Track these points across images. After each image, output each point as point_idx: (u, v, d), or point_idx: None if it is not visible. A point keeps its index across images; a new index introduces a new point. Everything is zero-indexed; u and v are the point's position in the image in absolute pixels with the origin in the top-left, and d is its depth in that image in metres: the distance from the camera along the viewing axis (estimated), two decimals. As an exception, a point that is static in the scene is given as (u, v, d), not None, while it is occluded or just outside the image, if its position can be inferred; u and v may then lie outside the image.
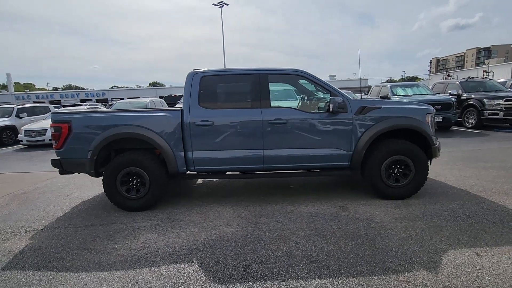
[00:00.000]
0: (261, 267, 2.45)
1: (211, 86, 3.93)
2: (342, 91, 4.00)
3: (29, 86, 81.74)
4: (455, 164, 5.60)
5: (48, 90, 70.70)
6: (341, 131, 3.82)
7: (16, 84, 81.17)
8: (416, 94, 10.67)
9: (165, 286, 2.26)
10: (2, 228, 3.50)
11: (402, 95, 10.68)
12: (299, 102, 5.09)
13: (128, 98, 18.65)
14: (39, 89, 78.72)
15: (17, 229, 3.46)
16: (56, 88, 79.96)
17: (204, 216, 3.60)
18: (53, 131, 3.80)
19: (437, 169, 5.24)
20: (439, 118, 9.31)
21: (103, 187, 3.82)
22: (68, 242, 3.07)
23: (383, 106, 3.87)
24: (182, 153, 3.81)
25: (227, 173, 4.07)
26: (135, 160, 3.77)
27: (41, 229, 3.44)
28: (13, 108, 11.62)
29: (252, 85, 3.88)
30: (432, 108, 4.07)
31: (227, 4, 35.56)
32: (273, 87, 10.49)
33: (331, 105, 3.61)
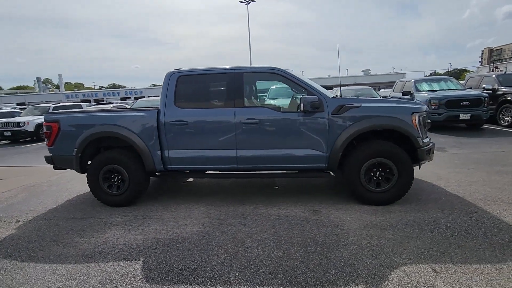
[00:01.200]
0: (199, 270, 2.44)
1: (187, 86, 3.95)
2: (359, 87, 3.81)
3: (78, 86, 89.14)
4: (465, 167, 5.06)
5: (93, 89, 76.60)
6: (317, 131, 3.64)
7: (67, 84, 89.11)
8: (443, 89, 9.79)
9: (101, 281, 2.35)
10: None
11: (427, 90, 9.87)
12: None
13: (148, 97, 19.77)
14: (87, 88, 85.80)
15: (10, 218, 3.80)
16: (101, 87, 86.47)
17: (175, 214, 3.67)
18: (45, 130, 4.11)
19: (441, 173, 4.79)
20: (466, 116, 8.49)
21: (87, 183, 4.05)
22: (44, 234, 3.31)
23: (363, 104, 3.61)
24: (159, 152, 3.90)
25: (208, 172, 4.09)
26: (114, 158, 3.94)
27: (29, 220, 3.75)
28: (49, 106, 12.74)
29: (226, 84, 3.84)
30: (422, 106, 3.71)
31: (253, 1, 35.62)
32: (279, 85, 10.22)
33: (301, 104, 3.45)
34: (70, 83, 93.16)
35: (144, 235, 3.13)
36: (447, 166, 5.17)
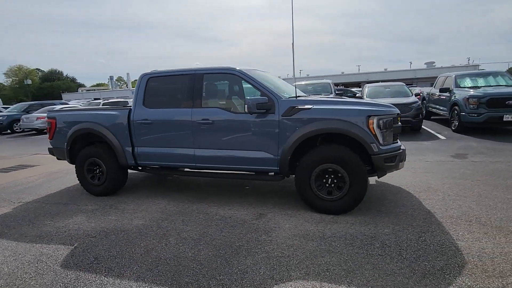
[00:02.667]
0: (108, 260, 2.64)
1: (155, 87, 4.19)
2: (390, 83, 3.64)
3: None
4: (471, 178, 4.36)
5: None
6: (267, 133, 3.54)
7: (135, 81, 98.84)
8: (489, 86, 8.41)
9: (31, 261, 2.71)
10: (9, 197, 4.66)
11: (469, 87, 8.59)
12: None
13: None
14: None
15: (16, 199, 4.54)
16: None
17: (137, 207, 3.96)
18: (47, 125, 4.77)
19: (436, 183, 4.23)
20: (511, 117, 7.18)
21: (76, 173, 4.60)
22: (27, 215, 3.89)
23: (314, 106, 3.39)
24: (130, 149, 4.23)
25: (185, 169, 4.28)
26: (95, 152, 4.40)
27: (28, 202, 4.43)
28: (100, 101, 14.49)
29: (187, 85, 3.96)
30: (384, 109, 3.34)
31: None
32: (311, 80, 10.05)
33: (245, 106, 3.39)
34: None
35: (97, 224, 3.47)
36: (451, 176, 4.52)
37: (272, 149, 3.55)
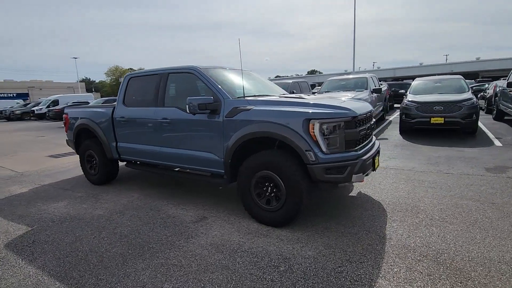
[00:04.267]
0: (39, 245, 2.94)
1: (133, 86, 4.42)
2: (443, 77, 3.44)
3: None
4: (484, 200, 3.43)
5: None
6: (213, 134, 3.41)
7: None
8: None
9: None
10: (35, 180, 5.55)
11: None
12: None
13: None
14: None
15: (39, 182, 5.39)
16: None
17: (111, 198, 4.28)
18: (63, 120, 5.52)
19: (428, 202, 3.47)
20: None
21: (80, 163, 5.22)
22: (32, 196, 4.59)
23: (254, 107, 3.10)
24: (114, 143, 4.59)
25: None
26: (90, 145, 4.91)
27: (42, 185, 5.22)
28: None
29: (155, 85, 4.07)
30: (332, 111, 2.84)
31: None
32: (346, 76, 9.50)
33: (186, 106, 3.30)
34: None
35: (69, 210, 3.89)
36: (458, 194, 3.63)
37: (218, 151, 3.40)
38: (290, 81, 11.83)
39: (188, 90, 3.83)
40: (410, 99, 7.86)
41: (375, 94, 9.09)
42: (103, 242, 2.94)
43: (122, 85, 4.51)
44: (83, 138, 5.17)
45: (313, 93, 9.81)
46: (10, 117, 26.11)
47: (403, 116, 7.86)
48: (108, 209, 3.83)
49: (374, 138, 3.75)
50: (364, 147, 3.14)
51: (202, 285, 2.18)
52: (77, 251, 2.78)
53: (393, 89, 15.77)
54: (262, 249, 2.64)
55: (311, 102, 3.05)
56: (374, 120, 3.74)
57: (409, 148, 6.37)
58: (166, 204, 3.90)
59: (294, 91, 10.90)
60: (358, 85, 9.15)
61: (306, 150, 2.77)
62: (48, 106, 23.37)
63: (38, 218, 3.65)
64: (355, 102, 3.46)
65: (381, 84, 12.68)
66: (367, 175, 3.08)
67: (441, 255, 2.40)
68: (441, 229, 2.81)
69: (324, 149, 2.78)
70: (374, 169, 3.24)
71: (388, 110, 13.39)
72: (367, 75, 9.61)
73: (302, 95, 3.56)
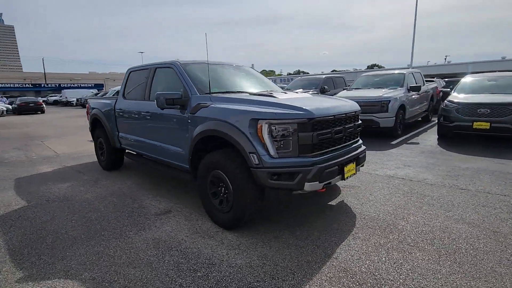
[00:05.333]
0: (20, 221, 3.30)
1: (131, 80, 4.64)
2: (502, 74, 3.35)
3: (270, 73, 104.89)
4: (487, 224, 2.80)
5: (279, 75, 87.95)
6: (181, 129, 3.41)
7: (263, 71, 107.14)
8: None
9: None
10: (62, 162, 6.26)
11: None
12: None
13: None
14: (278, 75, 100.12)
15: (64, 163, 6.08)
16: (289, 73, 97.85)
17: (107, 183, 4.61)
18: (86, 110, 6.10)
19: (413, 221, 2.98)
20: None
21: (95, 149, 5.73)
22: (49, 175, 5.19)
23: (211, 105, 2.99)
24: (117, 133, 4.92)
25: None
26: (100, 134, 5.34)
27: (66, 166, 5.86)
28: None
29: (145, 79, 4.21)
30: (287, 112, 2.59)
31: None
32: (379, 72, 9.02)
33: (155, 101, 3.32)
34: (265, 70, 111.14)
35: (67, 191, 4.30)
36: (462, 217, 3.04)
37: (185, 147, 3.39)
38: (324, 76, 11.27)
39: (170, 84, 3.87)
40: (450, 99, 6.81)
41: (413, 93, 8.10)
42: (69, 224, 3.18)
43: (124, 79, 4.77)
44: (96, 127, 5.65)
45: (344, 89, 9.13)
46: (84, 104, 29.96)
47: (441, 118, 6.86)
48: (96, 194, 4.13)
49: (358, 142, 3.34)
50: (331, 153, 2.81)
51: (116, 279, 2.21)
52: (43, 230, 3.06)
53: (451, 86, 13.84)
54: (196, 251, 2.56)
55: (277, 102, 2.81)
56: (357, 122, 3.31)
57: (436, 156, 5.54)
58: (147, 194, 4.06)
59: (326, 87, 10.33)
60: (392, 82, 8.24)
61: (250, 152, 2.58)
62: (113, 95, 26.21)
63: (40, 196, 4.11)
64: (327, 102, 3.12)
65: (431, 81, 11.29)
66: (329, 183, 2.75)
67: (381, 286, 2.03)
68: (403, 256, 2.38)
69: (272, 152, 2.56)
70: (343, 178, 2.89)
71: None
72: (405, 71, 8.58)
73: (275, 93, 3.31)
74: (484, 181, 4.08)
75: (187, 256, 2.48)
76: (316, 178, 2.61)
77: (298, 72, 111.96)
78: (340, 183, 4.26)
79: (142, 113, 4.06)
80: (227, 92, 3.49)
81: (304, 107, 2.65)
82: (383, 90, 7.72)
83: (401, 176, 4.46)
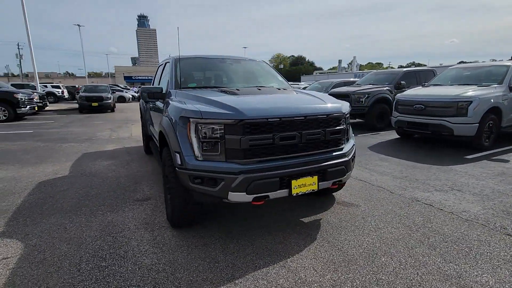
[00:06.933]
0: (51, 186, 4.10)
1: (158, 75, 5.03)
2: None
3: (375, 66, 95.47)
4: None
5: (385, 68, 79.11)
6: (159, 121, 3.52)
7: (369, 64, 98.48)
8: None
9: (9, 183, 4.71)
10: (127, 142, 7.40)
11: None
12: None
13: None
14: (385, 68, 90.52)
15: (126, 144, 7.19)
16: (400, 66, 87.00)
17: (135, 167, 5.21)
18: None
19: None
20: None
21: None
22: (107, 153, 6.22)
23: (171, 101, 2.97)
24: (148, 123, 5.48)
25: None
26: (143, 122, 6.05)
27: (124, 147, 6.91)
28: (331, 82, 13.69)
29: (160, 72, 4.51)
30: (214, 111, 2.36)
31: None
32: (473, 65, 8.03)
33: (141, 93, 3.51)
34: (371, 63, 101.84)
35: (103, 168, 5.08)
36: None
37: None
38: (404, 70, 9.61)
39: (168, 78, 4.03)
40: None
41: (518, 92, 5.97)
42: (71, 196, 3.77)
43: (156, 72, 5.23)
44: (141, 116, 6.42)
45: (422, 85, 7.45)
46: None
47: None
48: (117, 174, 4.74)
49: (334, 152, 2.71)
50: (274, 161, 2.39)
51: (46, 250, 2.50)
52: (51, 198, 3.72)
53: None
54: (125, 241, 2.63)
55: (216, 100, 2.57)
56: (329, 128, 2.64)
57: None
58: (152, 180, 4.39)
59: (403, 82, 8.79)
60: (488, 77, 6.25)
61: (175, 151, 2.46)
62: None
63: (80, 170, 5.01)
64: (281, 101, 2.68)
65: None
66: (265, 197, 2.36)
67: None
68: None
69: (197, 153, 2.37)
70: (290, 194, 2.42)
71: None
72: (510, 63, 6.34)
73: (238, 90, 3.00)
74: (562, 230, 2.69)
75: (114, 245, 2.59)
76: (242, 189, 2.28)
77: (412, 64, 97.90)
78: (338, 195, 3.60)
79: (150, 104, 4.39)
80: (203, 87, 3.39)
81: (235, 107, 2.32)
82: (469, 87, 5.97)
83: (431, 201, 3.41)
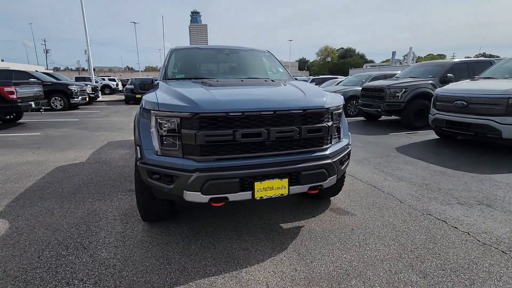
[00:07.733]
0: (63, 172, 4.38)
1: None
2: None
3: (436, 58, 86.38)
4: None
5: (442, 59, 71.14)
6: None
7: (430, 55, 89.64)
8: None
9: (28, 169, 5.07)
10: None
11: None
12: None
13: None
14: (441, 58, 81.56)
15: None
16: (467, 57, 77.57)
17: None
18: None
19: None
20: None
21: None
22: (126, 143, 6.53)
23: (147, 92, 2.87)
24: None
25: None
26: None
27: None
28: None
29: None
30: (176, 104, 2.21)
31: None
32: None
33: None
34: (431, 54, 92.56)
35: (117, 157, 5.32)
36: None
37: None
38: (454, 61, 8.46)
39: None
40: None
41: None
42: (75, 182, 3.96)
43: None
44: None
45: (472, 78, 6.39)
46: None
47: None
48: (127, 163, 4.90)
49: (314, 153, 2.38)
50: (235, 160, 2.16)
51: (25, 232, 2.62)
52: (58, 182, 3.96)
53: None
54: (96, 231, 2.64)
55: (180, 91, 2.41)
56: (306, 125, 2.30)
57: None
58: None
59: (450, 75, 7.74)
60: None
61: (136, 145, 2.36)
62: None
63: (96, 157, 5.29)
64: (247, 92, 2.41)
65: None
66: (224, 199, 2.16)
67: None
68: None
69: (156, 148, 2.25)
70: (253, 197, 2.18)
71: None
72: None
73: (217, 82, 2.78)
74: None
75: (84, 234, 2.61)
76: (197, 188, 2.10)
77: (482, 55, 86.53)
78: (335, 200, 3.22)
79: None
80: (187, 79, 3.25)
81: (192, 99, 2.14)
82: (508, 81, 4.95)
83: (445, 216, 2.85)
